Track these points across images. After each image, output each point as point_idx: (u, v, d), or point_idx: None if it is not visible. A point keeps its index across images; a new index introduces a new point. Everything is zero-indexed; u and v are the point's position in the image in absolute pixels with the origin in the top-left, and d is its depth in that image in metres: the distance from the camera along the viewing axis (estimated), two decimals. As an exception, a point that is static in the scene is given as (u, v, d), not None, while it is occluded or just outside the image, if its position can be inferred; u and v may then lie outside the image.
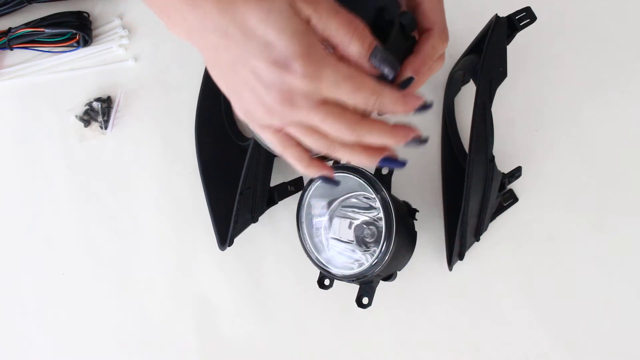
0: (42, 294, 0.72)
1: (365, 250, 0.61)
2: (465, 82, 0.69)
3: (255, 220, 0.68)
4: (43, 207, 0.74)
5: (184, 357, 0.69)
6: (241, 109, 0.39)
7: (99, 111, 0.75)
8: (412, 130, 0.40)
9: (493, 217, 0.66)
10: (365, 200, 0.62)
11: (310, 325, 0.68)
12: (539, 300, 0.65)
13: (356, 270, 0.57)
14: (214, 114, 0.74)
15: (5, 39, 0.75)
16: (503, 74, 0.59)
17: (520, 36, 0.61)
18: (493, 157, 0.60)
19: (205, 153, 0.72)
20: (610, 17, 0.71)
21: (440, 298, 0.66)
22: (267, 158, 0.66)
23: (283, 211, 0.70)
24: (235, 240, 0.66)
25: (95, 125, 0.75)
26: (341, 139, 0.38)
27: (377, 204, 0.56)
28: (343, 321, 0.67)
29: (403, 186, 0.67)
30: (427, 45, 0.40)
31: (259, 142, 0.43)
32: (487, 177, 0.60)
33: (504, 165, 0.65)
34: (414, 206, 0.63)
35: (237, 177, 0.61)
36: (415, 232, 0.63)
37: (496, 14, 0.59)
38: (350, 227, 0.62)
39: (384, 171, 0.58)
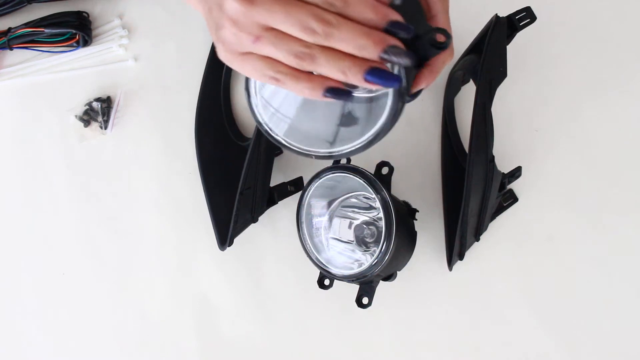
0: (42, 294, 0.72)
1: (365, 250, 0.61)
2: (465, 82, 0.69)
3: (255, 220, 0.68)
4: (43, 207, 0.74)
5: (184, 357, 0.69)
6: (218, 45, 0.39)
7: (99, 111, 0.75)
8: (391, 39, 0.35)
9: (493, 217, 0.66)
10: (365, 200, 0.62)
11: (310, 325, 0.68)
12: (539, 300, 0.65)
13: (356, 270, 0.57)
14: (214, 114, 0.74)
15: (5, 39, 0.75)
16: (503, 74, 0.59)
17: (520, 36, 0.61)
18: (493, 157, 0.60)
19: (205, 153, 0.72)
20: (610, 17, 0.71)
21: (440, 298, 0.66)
22: (267, 158, 0.66)
23: (283, 211, 0.70)
24: (235, 240, 0.66)
25: (95, 125, 0.75)
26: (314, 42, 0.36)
27: (377, 204, 0.56)
28: (343, 321, 0.67)
29: (403, 186, 0.67)
30: (438, 60, 0.39)
31: (248, 89, 0.43)
32: (487, 177, 0.60)
33: (504, 165, 0.65)
34: (414, 206, 0.63)
35: (237, 177, 0.61)
36: (415, 232, 0.63)
37: (496, 14, 0.59)
38: (350, 227, 0.62)
39: (384, 171, 0.58)
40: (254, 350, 0.68)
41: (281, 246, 0.70)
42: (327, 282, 0.60)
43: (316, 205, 0.61)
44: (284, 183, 0.70)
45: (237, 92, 0.75)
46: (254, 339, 0.68)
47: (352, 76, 0.35)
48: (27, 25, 0.75)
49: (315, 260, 0.59)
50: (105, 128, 0.75)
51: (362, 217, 0.62)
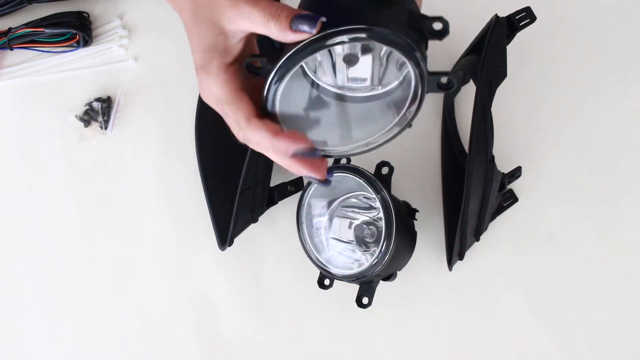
0: (42, 294, 0.72)
1: (365, 250, 0.61)
2: (465, 82, 0.69)
3: (255, 220, 0.68)
4: (43, 207, 0.74)
5: (184, 357, 0.69)
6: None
7: (99, 111, 0.75)
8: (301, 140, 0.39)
9: (493, 217, 0.66)
10: (365, 200, 0.62)
11: (310, 325, 0.68)
12: (539, 300, 0.65)
13: (356, 270, 0.57)
14: (214, 113, 0.73)
15: (5, 39, 0.75)
16: (503, 74, 0.59)
17: (520, 36, 0.61)
18: (493, 157, 0.60)
19: (205, 153, 0.72)
20: (610, 17, 0.71)
21: (440, 298, 0.66)
22: (267, 158, 0.66)
23: (283, 211, 0.70)
24: (235, 240, 0.66)
25: (95, 125, 0.75)
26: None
27: (377, 204, 0.56)
28: (343, 321, 0.67)
29: (403, 186, 0.67)
30: None
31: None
32: (487, 177, 0.60)
33: (504, 165, 0.65)
34: (414, 206, 0.63)
35: (237, 177, 0.61)
36: (415, 232, 0.63)
37: (496, 14, 0.59)
38: (350, 227, 0.62)
39: (384, 171, 0.59)
40: (254, 350, 0.68)
41: (281, 246, 0.70)
42: (327, 282, 0.60)
43: (316, 205, 0.61)
44: (284, 183, 0.70)
45: (237, 92, 0.75)
46: (254, 339, 0.68)
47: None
48: (27, 25, 0.75)
49: (315, 260, 0.59)
50: (106, 128, 0.75)
51: (362, 217, 0.62)
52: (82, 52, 0.77)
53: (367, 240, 0.61)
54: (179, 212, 0.72)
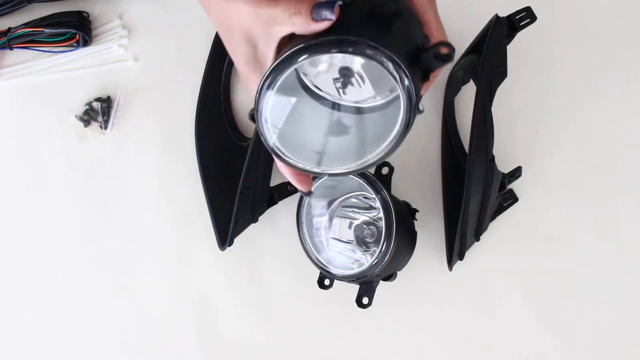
0: (42, 294, 0.72)
1: (365, 250, 0.61)
2: (465, 82, 0.69)
3: (255, 220, 0.68)
4: (43, 207, 0.74)
5: (184, 357, 0.69)
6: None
7: (99, 111, 0.75)
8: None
9: (493, 217, 0.66)
10: (365, 200, 0.62)
11: (310, 325, 0.68)
12: (539, 300, 0.65)
13: (356, 270, 0.57)
14: (214, 114, 0.74)
15: (5, 39, 0.75)
16: (503, 74, 0.59)
17: (520, 36, 0.61)
18: (493, 157, 0.60)
19: (205, 153, 0.72)
20: (610, 17, 0.71)
21: (440, 298, 0.66)
22: (267, 158, 0.66)
23: (283, 211, 0.70)
24: (235, 240, 0.66)
25: (95, 125, 0.75)
26: None
27: (377, 204, 0.56)
28: (343, 321, 0.67)
29: (403, 186, 0.67)
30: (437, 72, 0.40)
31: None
32: (487, 177, 0.60)
33: (504, 165, 0.65)
34: (414, 206, 0.63)
35: (237, 177, 0.61)
36: (415, 232, 0.63)
37: (496, 14, 0.59)
38: (350, 227, 0.62)
39: (384, 171, 0.58)
40: (254, 350, 0.68)
41: (281, 246, 0.70)
42: (327, 282, 0.60)
43: (316, 205, 0.61)
44: (284, 183, 0.70)
45: (237, 92, 0.75)
46: (254, 339, 0.68)
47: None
48: (27, 25, 0.75)
49: (315, 260, 0.59)
50: (105, 128, 0.75)
51: (362, 217, 0.62)
52: (82, 52, 0.77)
53: (367, 240, 0.61)
54: (179, 212, 0.72)
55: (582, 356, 0.64)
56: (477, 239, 0.65)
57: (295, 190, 0.69)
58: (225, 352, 0.68)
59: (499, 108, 0.59)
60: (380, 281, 0.60)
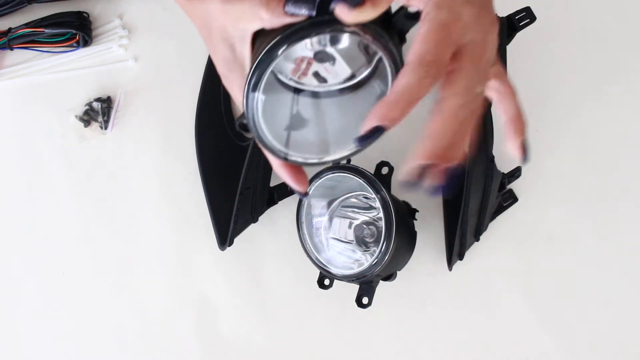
0: (42, 294, 0.72)
1: (365, 250, 0.61)
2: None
3: (255, 220, 0.68)
4: (43, 207, 0.74)
5: (184, 357, 0.69)
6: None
7: (99, 111, 0.75)
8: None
9: (493, 217, 0.66)
10: (365, 200, 0.62)
11: (310, 325, 0.68)
12: (539, 300, 0.65)
13: (356, 270, 0.57)
14: (214, 114, 0.74)
15: (5, 39, 0.75)
16: (503, 74, 0.59)
17: (520, 36, 0.61)
18: (493, 157, 0.60)
19: (205, 153, 0.72)
20: (610, 17, 0.71)
21: (440, 298, 0.66)
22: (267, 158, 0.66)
23: (283, 211, 0.70)
24: (235, 240, 0.66)
25: (95, 125, 0.75)
26: None
27: (377, 204, 0.56)
28: (343, 321, 0.67)
29: (403, 186, 0.67)
30: (398, 82, 0.33)
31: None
32: (487, 177, 0.60)
33: (504, 165, 0.65)
34: (414, 206, 0.63)
35: (237, 177, 0.61)
36: (415, 232, 0.63)
37: (496, 14, 0.59)
38: (350, 227, 0.62)
39: (384, 171, 0.58)
40: (254, 350, 0.68)
41: (281, 246, 0.70)
42: (327, 282, 0.60)
43: (316, 205, 0.61)
44: (284, 183, 0.69)
45: (237, 92, 0.75)
46: (254, 339, 0.68)
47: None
48: (27, 25, 0.75)
49: (315, 260, 0.59)
50: (105, 128, 0.75)
51: (362, 217, 0.62)
52: (82, 52, 0.77)
53: (367, 240, 0.61)
54: (179, 212, 0.72)
55: (582, 356, 0.64)
56: (477, 239, 0.65)
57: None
58: (225, 352, 0.68)
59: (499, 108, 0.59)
60: (380, 281, 0.60)
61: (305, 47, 0.37)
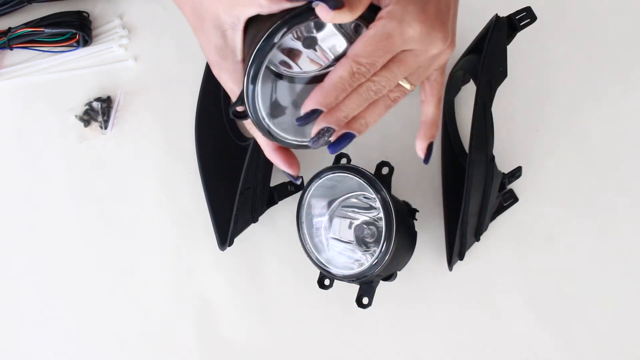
0: (42, 294, 0.72)
1: (365, 250, 0.61)
2: (465, 82, 0.69)
3: (255, 220, 0.68)
4: (43, 207, 0.74)
5: (184, 357, 0.69)
6: None
7: (99, 111, 0.75)
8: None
9: (493, 217, 0.66)
10: (365, 200, 0.62)
11: (310, 325, 0.68)
12: (539, 300, 0.65)
13: (356, 270, 0.57)
14: (214, 114, 0.74)
15: (5, 39, 0.75)
16: (503, 74, 0.59)
17: (520, 36, 0.61)
18: (493, 157, 0.60)
19: (205, 153, 0.72)
20: (610, 17, 0.71)
21: (440, 298, 0.66)
22: (267, 159, 0.66)
23: (283, 211, 0.70)
24: (235, 240, 0.66)
25: (95, 125, 0.75)
26: None
27: (377, 204, 0.56)
28: (343, 321, 0.67)
29: (403, 186, 0.67)
30: (333, 72, 0.37)
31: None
32: (487, 177, 0.60)
33: (504, 165, 0.65)
34: (414, 206, 0.63)
35: (237, 177, 0.61)
36: (415, 232, 0.63)
37: (496, 14, 0.59)
38: (350, 227, 0.62)
39: (384, 171, 0.58)
40: (254, 350, 0.68)
41: (281, 246, 0.70)
42: (327, 282, 0.60)
43: (316, 205, 0.61)
44: (284, 183, 0.70)
45: (237, 92, 0.75)
46: (254, 339, 0.68)
47: None
48: (27, 25, 0.75)
49: (315, 260, 0.59)
50: (105, 128, 0.75)
51: (362, 217, 0.62)
52: (82, 52, 0.77)
53: (367, 240, 0.61)
54: (179, 212, 0.72)
55: (582, 356, 0.64)
56: (477, 239, 0.65)
57: (296, 191, 0.70)
58: (225, 352, 0.68)
59: (499, 108, 0.59)
60: (380, 281, 0.60)
61: (294, 36, 0.38)
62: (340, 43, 0.39)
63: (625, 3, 0.71)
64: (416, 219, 0.63)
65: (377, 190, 0.55)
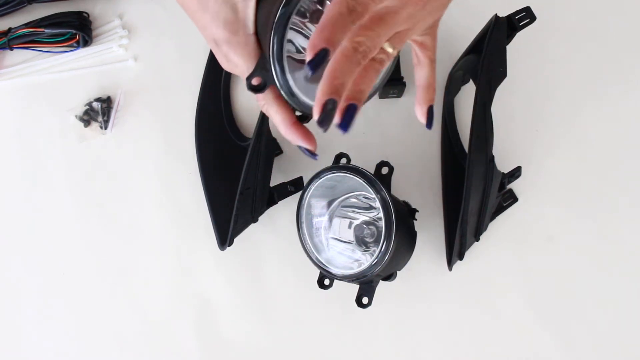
0: (42, 294, 0.72)
1: (365, 250, 0.61)
2: (465, 82, 0.69)
3: (255, 220, 0.68)
4: (43, 207, 0.74)
5: (184, 357, 0.69)
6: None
7: (99, 111, 0.75)
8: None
9: (493, 217, 0.66)
10: (365, 200, 0.62)
11: (310, 325, 0.68)
12: (539, 300, 0.65)
13: (356, 270, 0.57)
14: (214, 114, 0.74)
15: (5, 39, 0.75)
16: (503, 74, 0.59)
17: (520, 36, 0.61)
18: (493, 157, 0.60)
19: (205, 153, 0.72)
20: (610, 17, 0.71)
21: (440, 298, 0.66)
22: (267, 158, 0.66)
23: (283, 211, 0.70)
24: (235, 240, 0.66)
25: (95, 125, 0.75)
26: None
27: (377, 204, 0.56)
28: (343, 321, 0.67)
29: (403, 186, 0.67)
30: (328, 9, 0.36)
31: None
32: (487, 177, 0.60)
33: (504, 165, 0.65)
34: (414, 206, 0.63)
35: (237, 178, 0.61)
36: (415, 232, 0.63)
37: (496, 14, 0.59)
38: (350, 227, 0.62)
39: (384, 171, 0.59)
40: (254, 350, 0.68)
41: (281, 246, 0.70)
42: (327, 282, 0.60)
43: (316, 205, 0.61)
44: (284, 183, 0.70)
45: (237, 92, 0.75)
46: (254, 339, 0.68)
47: None
48: (27, 25, 0.75)
49: (315, 260, 0.59)
50: (105, 128, 0.75)
51: (362, 217, 0.62)
52: (82, 52, 0.77)
53: (367, 240, 0.61)
54: (179, 212, 0.72)
55: (582, 356, 0.64)
56: (477, 239, 0.65)
57: (295, 191, 0.70)
58: (225, 352, 0.68)
59: (499, 108, 0.59)
60: (380, 281, 0.60)
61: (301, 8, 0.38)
62: None
63: (625, 3, 0.71)
64: (416, 219, 0.63)
65: (376, 190, 0.55)
